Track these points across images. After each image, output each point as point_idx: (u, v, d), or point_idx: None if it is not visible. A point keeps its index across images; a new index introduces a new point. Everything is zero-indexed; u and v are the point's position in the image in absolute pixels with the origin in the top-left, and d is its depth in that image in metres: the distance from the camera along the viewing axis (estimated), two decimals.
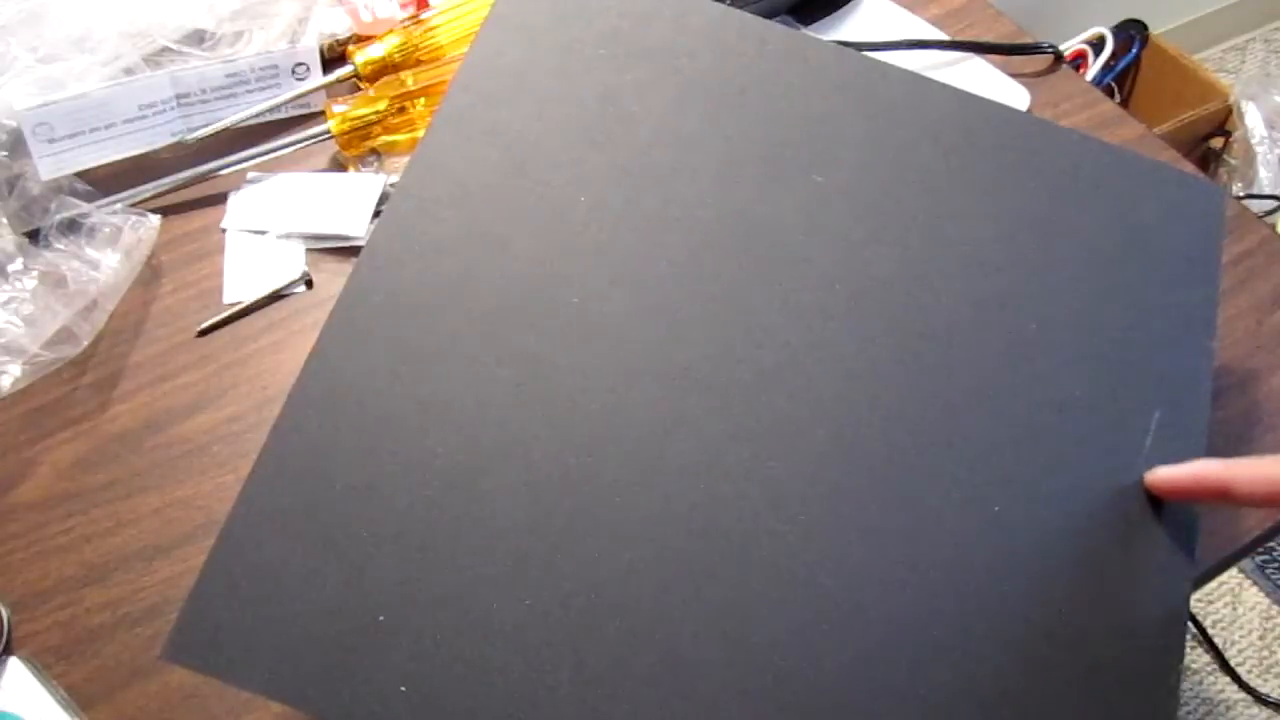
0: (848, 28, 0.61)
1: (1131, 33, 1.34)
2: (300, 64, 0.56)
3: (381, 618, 0.31)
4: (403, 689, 0.30)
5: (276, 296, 0.51)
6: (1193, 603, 1.20)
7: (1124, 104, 1.37)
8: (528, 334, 0.35)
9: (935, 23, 0.62)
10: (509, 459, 0.33)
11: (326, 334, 0.35)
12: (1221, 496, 0.34)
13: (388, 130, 0.55)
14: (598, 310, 0.36)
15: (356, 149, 0.55)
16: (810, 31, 0.61)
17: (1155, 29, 1.37)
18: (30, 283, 0.48)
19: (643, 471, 0.33)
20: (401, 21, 0.58)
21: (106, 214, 0.51)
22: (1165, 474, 0.35)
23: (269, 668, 0.30)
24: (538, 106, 0.39)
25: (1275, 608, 1.22)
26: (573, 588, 0.32)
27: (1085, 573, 0.34)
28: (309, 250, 0.52)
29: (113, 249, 0.50)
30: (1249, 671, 1.17)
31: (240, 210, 0.54)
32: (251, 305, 0.50)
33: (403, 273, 0.36)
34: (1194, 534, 0.35)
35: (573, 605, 0.31)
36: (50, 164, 0.51)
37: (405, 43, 0.56)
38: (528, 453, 0.33)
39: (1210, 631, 1.18)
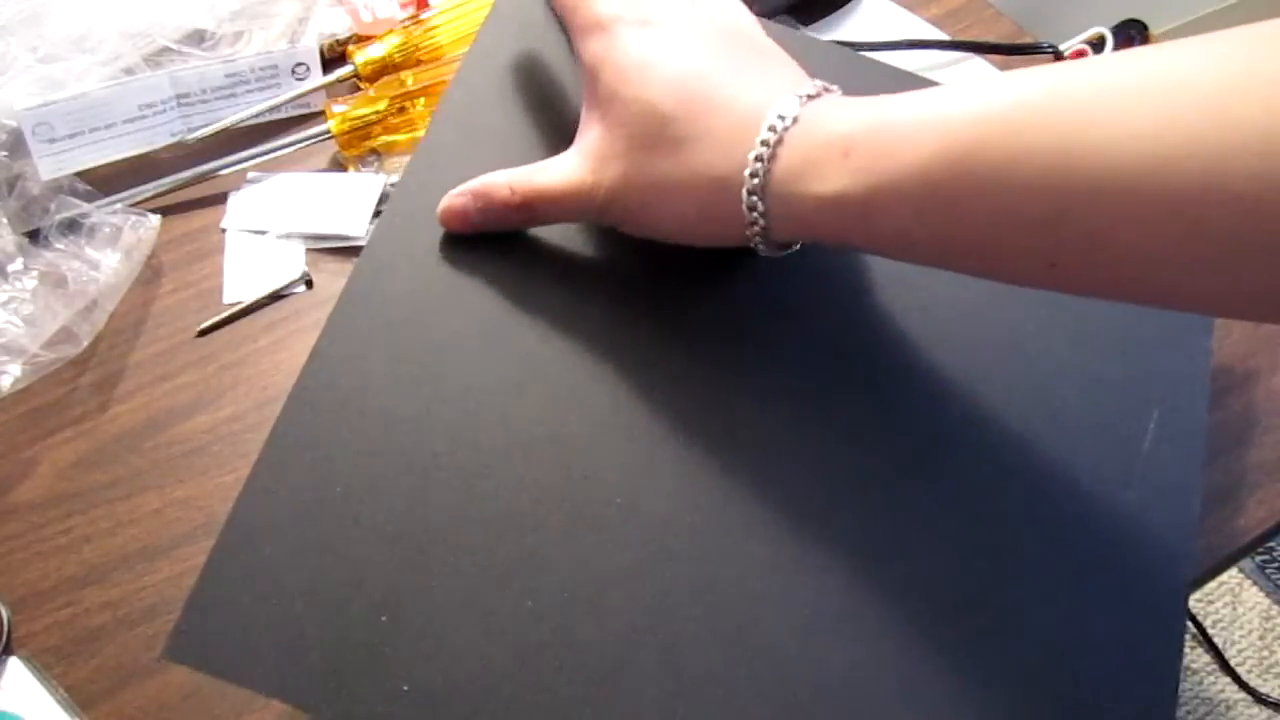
0: (848, 28, 0.61)
1: (1131, 33, 1.33)
2: (300, 64, 0.56)
3: (384, 618, 0.31)
4: (405, 688, 0.30)
5: (276, 296, 0.51)
6: (1193, 603, 1.20)
7: None
8: (529, 333, 0.35)
9: (935, 23, 0.62)
10: (510, 459, 0.33)
11: (326, 334, 0.35)
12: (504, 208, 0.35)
13: (388, 130, 0.55)
14: (597, 306, 0.36)
15: (356, 149, 0.55)
16: (810, 31, 0.61)
17: (1155, 29, 1.37)
18: (30, 283, 0.48)
19: (646, 469, 0.33)
20: (401, 21, 0.58)
21: (106, 214, 0.51)
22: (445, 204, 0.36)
23: (270, 667, 0.30)
24: (537, 105, 0.39)
25: (1275, 608, 1.22)
26: (574, 587, 0.32)
27: (1083, 572, 0.34)
28: (309, 250, 0.52)
29: (113, 249, 0.50)
30: (1249, 671, 1.18)
31: (240, 210, 0.54)
32: (251, 305, 0.50)
33: (403, 272, 0.36)
34: (1193, 533, 0.35)
35: (574, 605, 0.31)
36: (50, 164, 0.51)
37: (405, 43, 0.56)
38: (528, 452, 0.33)
39: (1210, 631, 1.18)
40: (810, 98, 0.31)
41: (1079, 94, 0.26)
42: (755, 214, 0.31)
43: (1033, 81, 0.27)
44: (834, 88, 0.32)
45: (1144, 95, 0.25)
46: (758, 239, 0.32)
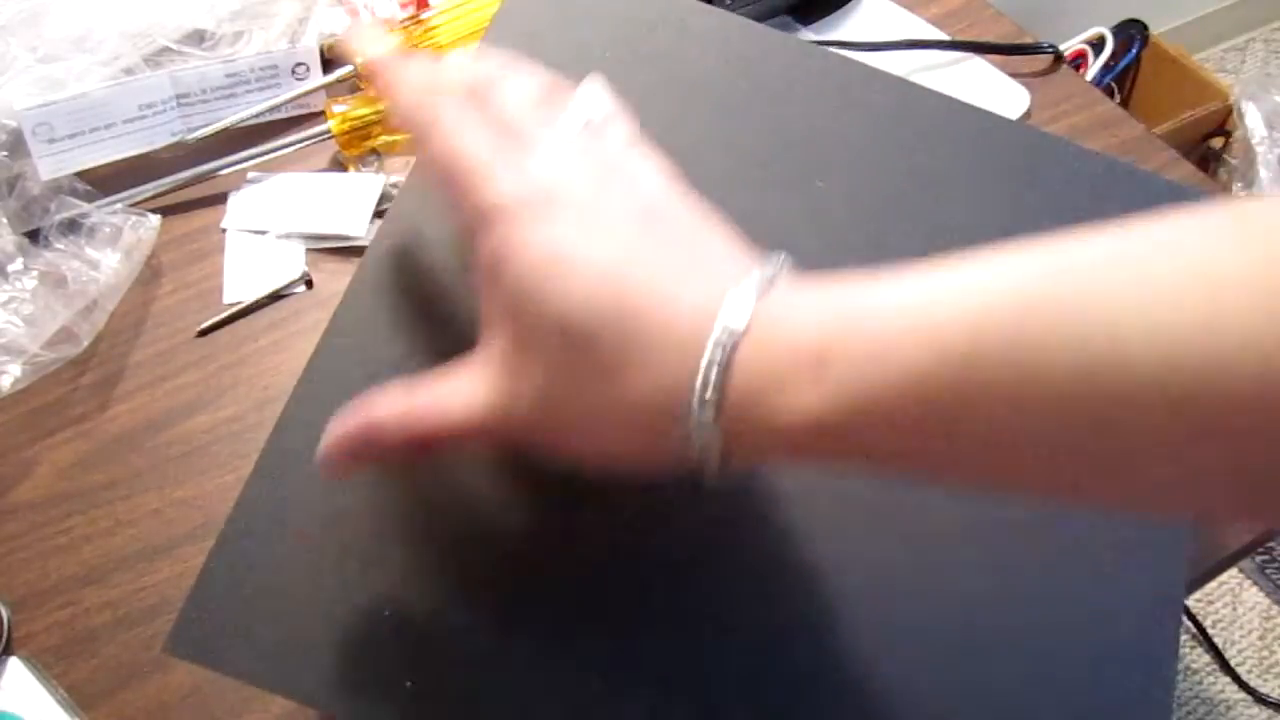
0: (848, 28, 0.61)
1: (1131, 33, 1.34)
2: (300, 64, 0.56)
3: (386, 612, 0.31)
4: (408, 683, 0.30)
5: (276, 296, 0.51)
6: (1192, 603, 1.20)
7: (1124, 104, 1.37)
8: None
9: (935, 23, 0.62)
10: (514, 454, 0.33)
11: (331, 330, 0.35)
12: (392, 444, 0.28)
13: (388, 130, 0.55)
14: None
15: (356, 149, 0.55)
16: (810, 32, 0.61)
17: (1155, 29, 1.37)
18: (30, 283, 0.49)
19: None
20: (401, 21, 0.58)
21: (106, 214, 0.51)
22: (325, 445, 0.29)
23: (272, 661, 0.30)
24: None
25: (1275, 608, 1.22)
26: (579, 583, 0.32)
27: (1078, 573, 0.34)
28: (309, 250, 0.52)
29: (113, 249, 0.50)
30: (1249, 671, 1.18)
31: (240, 210, 0.54)
32: (251, 305, 0.50)
33: (408, 270, 0.36)
34: (1187, 534, 0.35)
35: (581, 599, 0.31)
36: (50, 164, 0.51)
37: (405, 43, 0.56)
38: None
39: (1210, 631, 1.18)
40: (764, 286, 0.25)
41: (1093, 284, 0.22)
42: (708, 441, 0.25)
43: (1032, 267, 0.23)
44: (783, 259, 0.27)
45: (1176, 287, 0.21)
46: (711, 469, 0.26)
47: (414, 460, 0.30)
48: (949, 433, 0.23)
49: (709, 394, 0.24)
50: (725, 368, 0.24)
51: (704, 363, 0.24)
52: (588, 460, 0.28)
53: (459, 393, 0.28)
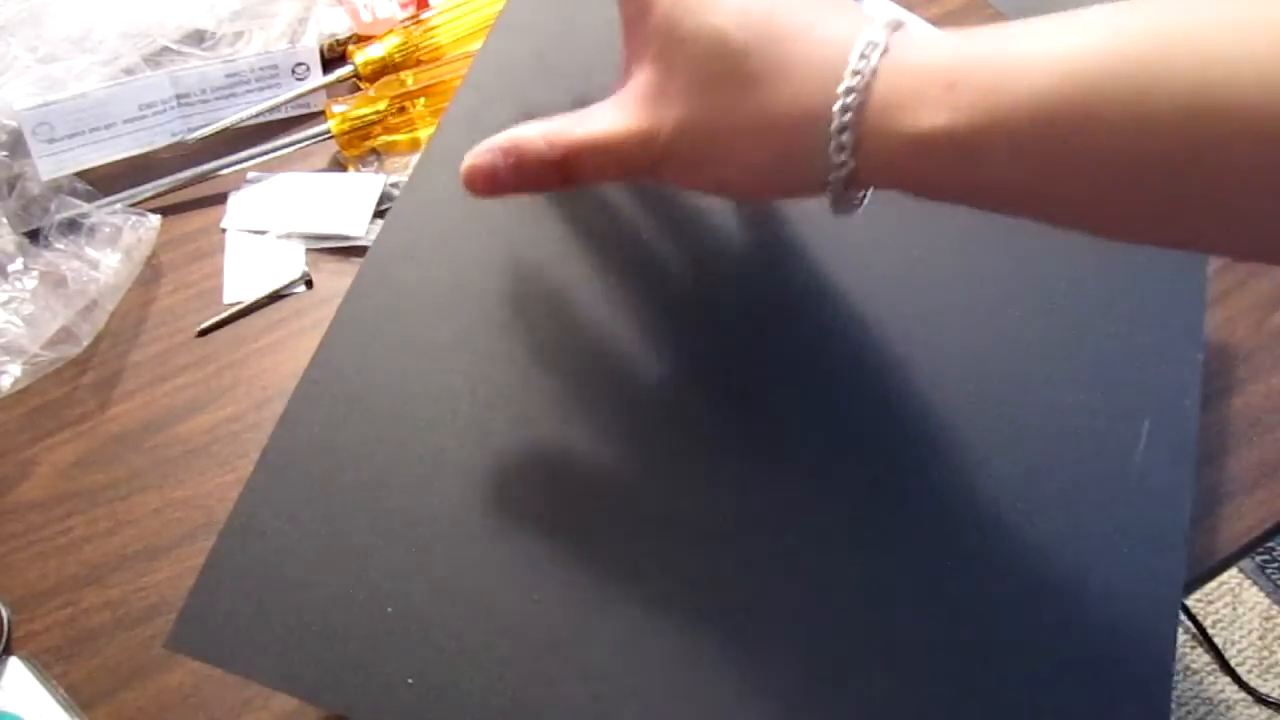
0: None
1: None
2: (300, 64, 0.56)
3: (390, 609, 0.31)
4: (410, 680, 0.30)
5: (276, 296, 0.51)
6: (1192, 602, 1.20)
7: None
8: (536, 328, 0.35)
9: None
10: (516, 453, 0.33)
11: (335, 328, 0.35)
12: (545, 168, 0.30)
13: (388, 130, 0.55)
14: (604, 304, 0.36)
15: (356, 149, 0.55)
16: None
17: None
18: (30, 283, 0.48)
19: (652, 464, 0.33)
20: (401, 21, 0.58)
21: (106, 214, 0.51)
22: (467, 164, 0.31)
23: (274, 658, 0.30)
24: (547, 107, 0.39)
25: (1275, 608, 1.22)
26: (581, 583, 0.32)
27: (1076, 577, 0.34)
28: (309, 250, 0.52)
29: (113, 249, 0.50)
30: (1249, 671, 1.18)
31: (240, 210, 0.54)
32: (251, 305, 0.50)
33: (411, 269, 0.36)
34: (1183, 539, 0.35)
35: (581, 601, 0.31)
36: (50, 164, 0.51)
37: (405, 43, 0.56)
38: (535, 446, 0.33)
39: (1210, 631, 1.18)
40: (897, 26, 0.27)
41: (1216, 26, 0.23)
42: (844, 154, 0.27)
43: (1167, 11, 0.24)
44: (917, 18, 0.29)
45: (1274, 32, 0.22)
46: (839, 185, 0.28)
47: (554, 182, 0.31)
48: (1068, 152, 0.25)
49: (850, 102, 0.26)
50: (866, 80, 0.26)
51: (847, 73, 0.26)
52: (723, 181, 0.30)
53: (605, 116, 0.30)
